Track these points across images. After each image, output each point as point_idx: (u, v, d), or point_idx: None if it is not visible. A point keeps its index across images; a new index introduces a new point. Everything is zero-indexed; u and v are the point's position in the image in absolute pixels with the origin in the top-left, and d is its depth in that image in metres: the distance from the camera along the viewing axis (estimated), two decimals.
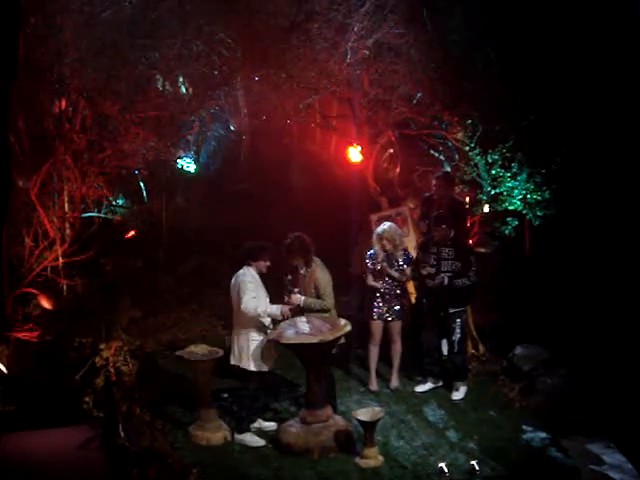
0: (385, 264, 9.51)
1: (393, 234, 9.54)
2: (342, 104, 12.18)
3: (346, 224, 11.59)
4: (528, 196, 10.59)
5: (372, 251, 9.65)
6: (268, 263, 8.69)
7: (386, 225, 9.65)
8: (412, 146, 11.81)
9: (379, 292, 9.56)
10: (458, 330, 9.47)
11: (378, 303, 9.58)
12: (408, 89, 11.09)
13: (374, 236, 9.69)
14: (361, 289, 10.36)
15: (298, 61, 10.61)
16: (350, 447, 8.18)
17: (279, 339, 8.22)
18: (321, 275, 8.86)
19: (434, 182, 10.57)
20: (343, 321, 8.46)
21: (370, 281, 9.61)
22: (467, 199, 11.12)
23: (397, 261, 9.55)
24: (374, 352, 9.65)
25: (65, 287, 9.71)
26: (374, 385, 9.65)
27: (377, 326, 9.59)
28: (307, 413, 8.28)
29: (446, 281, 9.35)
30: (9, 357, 8.43)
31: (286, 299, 8.74)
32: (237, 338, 8.59)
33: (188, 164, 14.39)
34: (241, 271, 8.64)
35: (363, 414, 8.05)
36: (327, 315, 8.77)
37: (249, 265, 8.64)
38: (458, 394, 9.47)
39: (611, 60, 10.46)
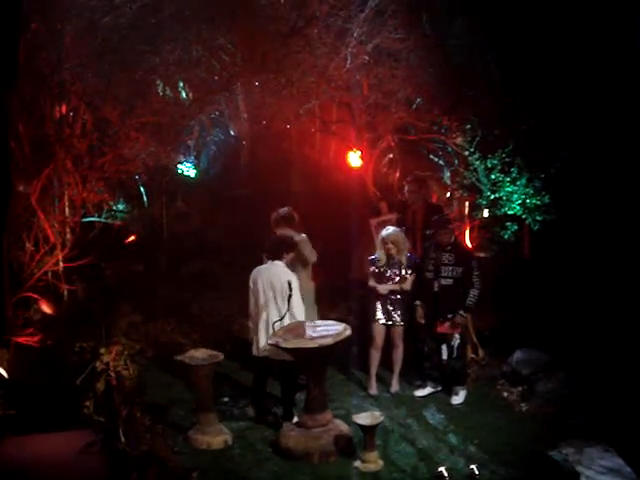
0: (384, 270, 9.54)
1: (397, 238, 9.54)
2: (342, 109, 12.22)
3: (346, 229, 11.61)
4: (527, 201, 10.60)
5: (375, 255, 9.66)
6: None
7: (390, 229, 9.66)
8: (412, 151, 11.86)
9: (381, 296, 9.58)
10: (457, 335, 9.48)
11: (380, 307, 9.59)
12: (407, 94, 11.14)
13: (378, 240, 9.70)
14: (360, 294, 10.38)
15: (298, 66, 10.65)
16: (350, 451, 8.18)
17: (279, 344, 8.23)
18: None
19: (405, 187, 10.62)
20: (343, 325, 8.48)
21: (372, 284, 9.62)
22: (467, 204, 11.16)
23: (400, 266, 9.55)
24: (375, 356, 9.65)
25: (66, 292, 9.73)
26: (374, 389, 9.65)
27: (379, 330, 9.59)
28: (307, 417, 8.28)
29: (464, 314, 9.43)
30: (10, 361, 8.43)
31: None
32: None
33: (188, 169, 14.42)
34: (280, 262, 8.95)
35: (363, 418, 8.06)
36: None
37: (280, 259, 8.98)
38: (457, 398, 9.48)
39: (610, 65, 10.49)
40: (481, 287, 9.40)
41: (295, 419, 8.72)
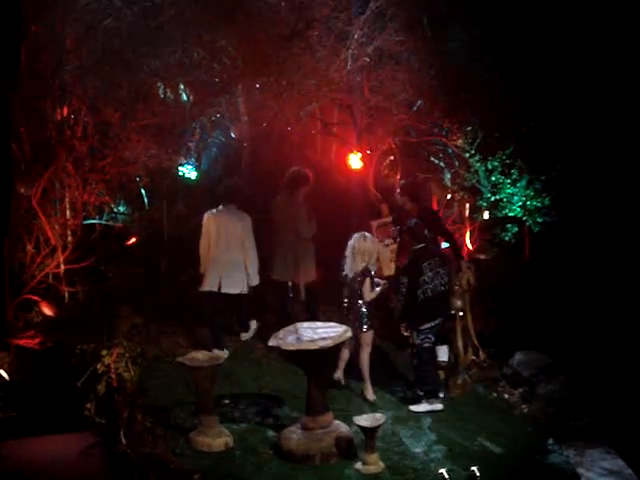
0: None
1: (349, 249, 9.48)
2: (342, 111, 12.21)
3: (347, 231, 11.60)
4: (528, 203, 10.63)
5: (345, 262, 9.58)
6: None
7: (355, 236, 9.57)
8: (412, 153, 11.87)
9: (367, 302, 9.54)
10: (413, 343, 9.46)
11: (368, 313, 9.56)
12: (408, 96, 11.15)
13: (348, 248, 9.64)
14: None
15: (298, 68, 10.66)
16: (351, 453, 8.19)
17: (280, 346, 8.24)
18: None
19: (397, 191, 10.62)
20: (343, 327, 8.49)
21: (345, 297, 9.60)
22: (467, 205, 11.17)
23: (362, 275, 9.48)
24: (368, 361, 9.58)
25: (67, 294, 9.73)
26: (372, 394, 9.58)
27: (370, 336, 9.57)
28: (308, 419, 8.28)
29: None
30: (10, 364, 8.43)
31: None
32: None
33: (189, 171, 14.41)
34: (234, 206, 10.44)
35: (364, 420, 8.05)
36: None
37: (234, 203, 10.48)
38: (415, 406, 9.33)
39: (611, 67, 10.50)
40: (404, 299, 9.24)
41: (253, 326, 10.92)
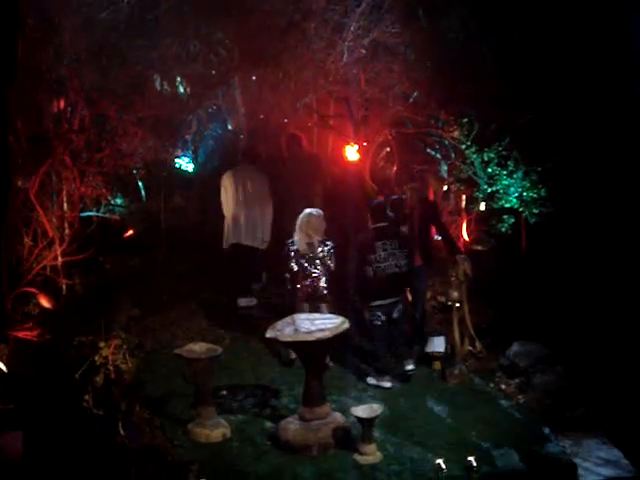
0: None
1: (298, 224, 9.73)
2: (339, 103, 12.23)
3: (344, 222, 11.62)
4: (524, 194, 10.64)
5: (294, 239, 9.81)
6: None
7: (307, 211, 9.81)
8: (409, 145, 11.89)
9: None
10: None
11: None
12: (404, 88, 11.18)
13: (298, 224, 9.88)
14: (359, 287, 10.39)
15: (295, 60, 10.68)
16: (348, 444, 8.22)
17: (278, 337, 8.26)
18: None
19: (410, 186, 10.62)
20: (341, 319, 8.51)
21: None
22: (463, 197, 11.19)
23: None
24: None
25: (64, 286, 9.74)
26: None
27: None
28: (305, 410, 8.31)
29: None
30: (8, 356, 8.44)
31: None
32: None
33: (186, 163, 14.43)
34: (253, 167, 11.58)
35: (361, 411, 8.09)
36: None
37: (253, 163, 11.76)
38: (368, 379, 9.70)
39: (605, 58, 10.52)
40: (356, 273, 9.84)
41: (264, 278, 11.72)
